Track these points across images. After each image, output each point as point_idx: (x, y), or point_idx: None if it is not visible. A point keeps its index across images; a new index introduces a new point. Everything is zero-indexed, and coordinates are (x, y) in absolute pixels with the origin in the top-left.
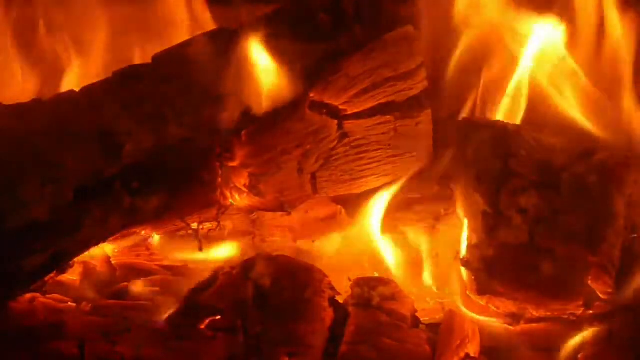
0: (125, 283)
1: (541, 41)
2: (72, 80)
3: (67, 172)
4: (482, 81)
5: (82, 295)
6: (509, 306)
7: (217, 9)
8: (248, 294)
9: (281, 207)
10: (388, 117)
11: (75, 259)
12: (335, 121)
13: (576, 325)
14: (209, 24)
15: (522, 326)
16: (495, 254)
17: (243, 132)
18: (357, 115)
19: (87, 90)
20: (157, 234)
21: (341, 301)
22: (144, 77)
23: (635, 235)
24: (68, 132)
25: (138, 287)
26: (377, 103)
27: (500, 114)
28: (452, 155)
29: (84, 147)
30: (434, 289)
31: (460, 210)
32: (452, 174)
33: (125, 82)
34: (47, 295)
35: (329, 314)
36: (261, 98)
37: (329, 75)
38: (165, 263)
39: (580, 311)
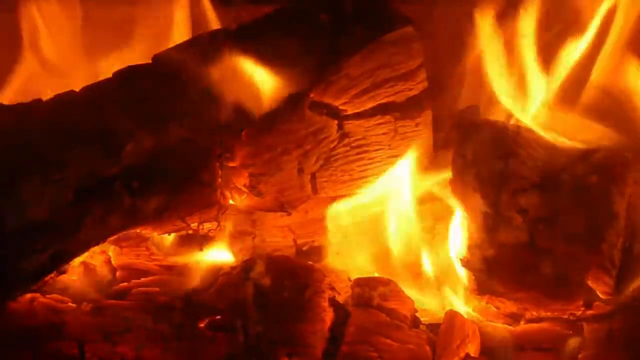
0: (125, 283)
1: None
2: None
3: (67, 172)
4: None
5: (82, 295)
6: (509, 306)
7: (218, 9)
8: (248, 294)
9: (281, 207)
10: (388, 117)
11: (75, 259)
12: (335, 121)
13: (576, 325)
14: (209, 24)
15: (522, 326)
16: (495, 254)
17: (243, 132)
18: (357, 116)
19: (87, 91)
20: (157, 234)
21: (341, 301)
22: (144, 77)
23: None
24: (68, 132)
25: None
26: (377, 103)
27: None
28: (452, 155)
29: (84, 147)
30: (434, 289)
31: (460, 210)
32: (452, 174)
33: (125, 82)
34: (47, 295)
35: (329, 314)
36: (261, 98)
37: (329, 75)
38: (165, 263)
39: (580, 311)
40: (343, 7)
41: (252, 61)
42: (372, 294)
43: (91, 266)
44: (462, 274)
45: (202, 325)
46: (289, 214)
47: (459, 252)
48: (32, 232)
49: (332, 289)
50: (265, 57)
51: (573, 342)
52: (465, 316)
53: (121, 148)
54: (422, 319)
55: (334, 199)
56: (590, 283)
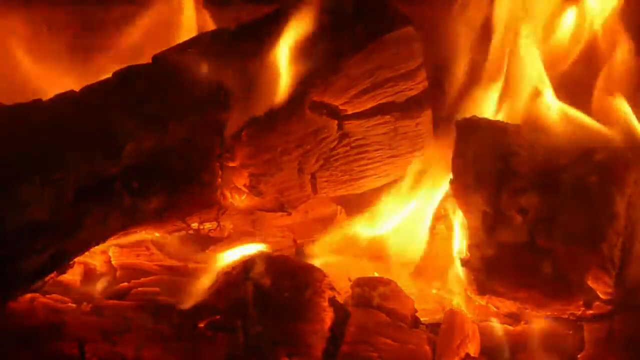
0: (125, 283)
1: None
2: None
3: (67, 172)
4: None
5: (82, 295)
6: (509, 306)
7: (217, 9)
8: (248, 294)
9: (281, 207)
10: (388, 117)
11: (75, 259)
12: (335, 121)
13: (576, 325)
14: (208, 24)
15: (522, 326)
16: (495, 253)
17: (243, 132)
18: (357, 116)
19: (88, 91)
20: (157, 234)
21: (341, 301)
22: (144, 77)
23: None
24: (68, 132)
25: None
26: (377, 103)
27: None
28: (452, 155)
29: (84, 147)
30: (434, 289)
31: (460, 210)
32: (452, 174)
33: (125, 82)
34: (47, 295)
35: (329, 314)
36: (261, 98)
37: (329, 75)
38: (165, 263)
39: (580, 311)
40: (343, 7)
41: (252, 61)
42: (372, 294)
43: (91, 266)
44: (462, 273)
45: (202, 325)
46: (289, 214)
47: (459, 252)
48: (32, 232)
49: (332, 289)
50: (265, 57)
51: (573, 342)
52: (465, 316)
53: (121, 148)
54: (422, 319)
55: (334, 198)
56: (590, 283)
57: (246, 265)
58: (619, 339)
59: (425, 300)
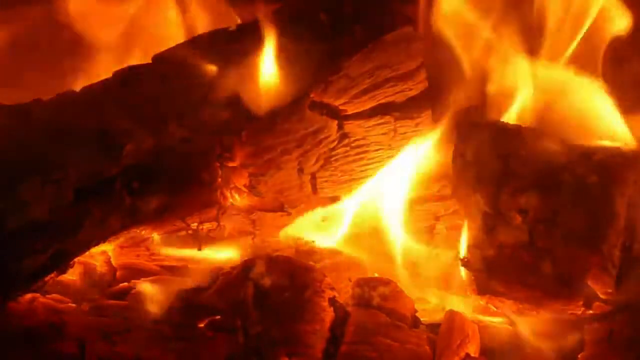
0: (125, 283)
1: None
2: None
3: (67, 172)
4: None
5: (82, 295)
6: (509, 306)
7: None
8: (248, 294)
9: (281, 207)
10: (388, 117)
11: (75, 259)
12: (335, 121)
13: (576, 325)
14: (209, 24)
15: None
16: (495, 254)
17: (243, 132)
18: (357, 116)
19: (87, 91)
20: (157, 234)
21: (341, 301)
22: (144, 77)
23: None
24: (68, 132)
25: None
26: (377, 103)
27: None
28: (452, 155)
29: (84, 147)
30: (434, 289)
31: (460, 210)
32: (452, 174)
33: (125, 82)
34: (47, 295)
35: (329, 314)
36: (261, 98)
37: (329, 75)
38: (165, 263)
39: (580, 311)
40: (343, 7)
41: (252, 61)
42: (372, 294)
43: (91, 266)
44: (462, 274)
45: (202, 325)
46: (289, 214)
47: (459, 252)
48: (32, 232)
49: (332, 289)
50: (265, 57)
51: (573, 342)
52: (465, 316)
53: (121, 148)
54: (422, 319)
55: (333, 199)
56: (590, 283)
57: (246, 265)
58: (619, 339)
59: (425, 300)
